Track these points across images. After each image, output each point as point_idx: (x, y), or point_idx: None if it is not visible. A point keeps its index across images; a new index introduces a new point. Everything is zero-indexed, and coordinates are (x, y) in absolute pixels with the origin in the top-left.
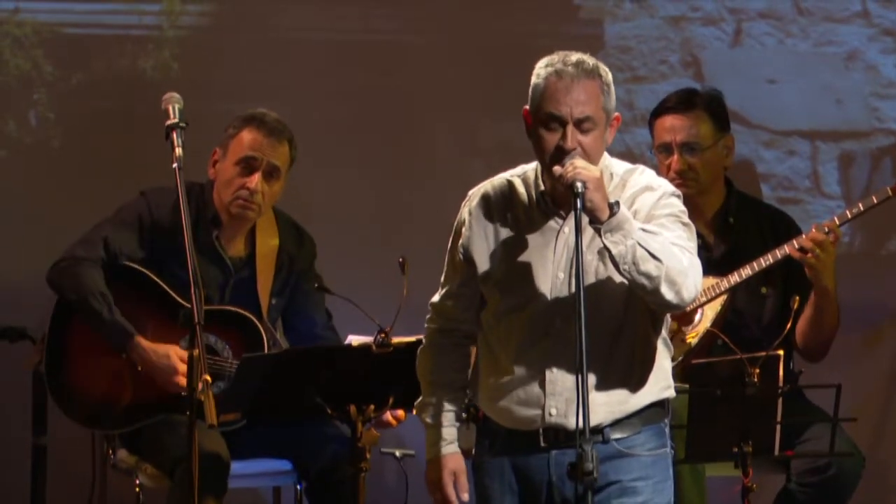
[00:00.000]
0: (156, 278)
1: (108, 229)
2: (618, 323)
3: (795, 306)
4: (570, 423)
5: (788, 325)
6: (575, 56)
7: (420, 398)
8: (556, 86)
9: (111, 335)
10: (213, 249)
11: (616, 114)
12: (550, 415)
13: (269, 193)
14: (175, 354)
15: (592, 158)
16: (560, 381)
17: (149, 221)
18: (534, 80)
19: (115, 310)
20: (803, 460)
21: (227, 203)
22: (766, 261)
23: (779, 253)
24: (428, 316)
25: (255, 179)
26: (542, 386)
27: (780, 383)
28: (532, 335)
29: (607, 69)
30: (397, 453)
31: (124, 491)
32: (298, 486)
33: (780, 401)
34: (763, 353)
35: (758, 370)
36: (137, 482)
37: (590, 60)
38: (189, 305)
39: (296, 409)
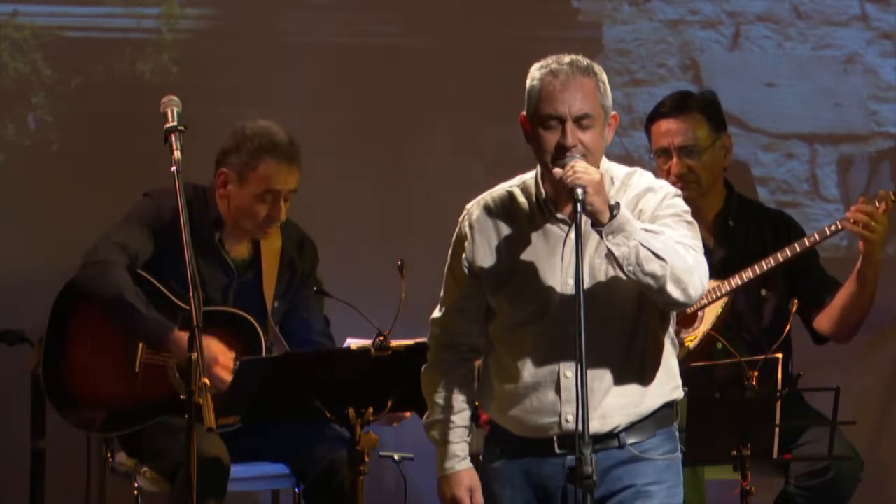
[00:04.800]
0: (156, 282)
1: (124, 234)
2: (632, 324)
3: (794, 309)
4: (588, 428)
5: (787, 328)
6: (568, 56)
7: (427, 415)
8: (552, 85)
9: (151, 330)
10: (215, 251)
11: (613, 113)
12: (567, 421)
13: (286, 210)
14: (216, 346)
15: (593, 156)
16: (575, 386)
17: (158, 222)
18: (529, 83)
19: (150, 305)
20: (802, 463)
21: (250, 229)
22: (767, 264)
23: (786, 253)
24: (430, 333)
25: (281, 208)
26: (558, 393)
27: (779, 386)
28: (545, 343)
29: (602, 68)
30: (396, 456)
31: (123, 494)
32: (297, 490)
33: (778, 404)
34: (762, 357)
35: (756, 373)
36: (136, 485)
37: (584, 60)
38: (187, 308)
39: (294, 412)
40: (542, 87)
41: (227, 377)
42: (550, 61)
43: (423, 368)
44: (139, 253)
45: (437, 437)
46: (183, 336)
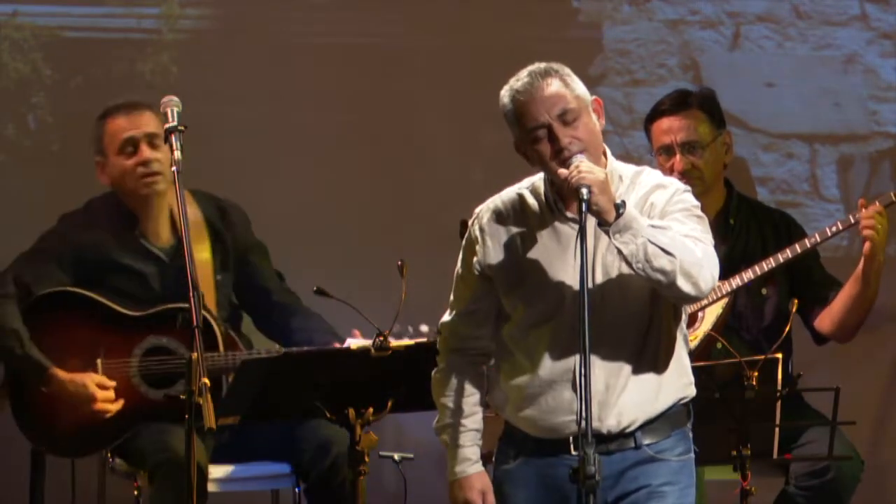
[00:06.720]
0: (94, 296)
1: (20, 265)
2: (646, 319)
3: (794, 309)
4: (604, 426)
5: (787, 328)
6: (525, 70)
7: (438, 419)
8: (522, 100)
9: (26, 371)
10: (139, 246)
11: (594, 97)
12: (583, 418)
13: (164, 160)
14: (91, 382)
15: (593, 146)
16: (591, 384)
17: (66, 246)
18: (503, 112)
19: (28, 345)
20: (802, 463)
21: (134, 188)
22: (768, 264)
23: (787, 253)
24: (440, 337)
25: (144, 150)
26: (574, 390)
27: (779, 386)
28: (560, 342)
29: (560, 64)
30: (396, 456)
31: (123, 494)
32: (297, 490)
33: (778, 404)
34: (762, 357)
35: (756, 373)
36: (136, 485)
37: (541, 65)
38: (132, 314)
39: (294, 411)
40: (514, 108)
41: (113, 408)
42: (512, 82)
43: (433, 373)
44: (35, 282)
45: (448, 441)
46: (61, 374)
